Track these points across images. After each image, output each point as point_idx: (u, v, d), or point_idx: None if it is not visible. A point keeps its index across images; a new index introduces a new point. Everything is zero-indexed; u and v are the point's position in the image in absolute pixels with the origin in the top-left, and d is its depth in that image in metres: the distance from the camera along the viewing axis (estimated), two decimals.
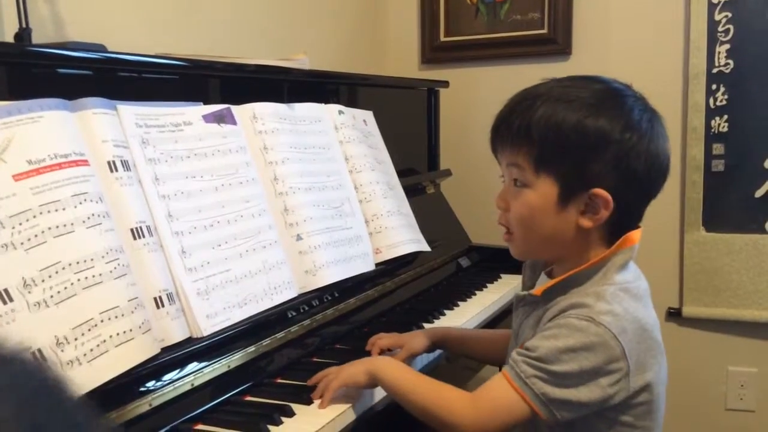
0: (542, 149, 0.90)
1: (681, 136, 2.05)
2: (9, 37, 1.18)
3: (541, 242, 0.95)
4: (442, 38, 2.35)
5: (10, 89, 0.92)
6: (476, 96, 2.29)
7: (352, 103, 1.63)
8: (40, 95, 0.89)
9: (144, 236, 0.93)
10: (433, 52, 2.36)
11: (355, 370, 0.99)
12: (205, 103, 1.16)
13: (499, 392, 0.88)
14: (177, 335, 0.93)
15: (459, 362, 1.31)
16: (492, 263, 1.82)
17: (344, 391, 1.00)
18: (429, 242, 1.59)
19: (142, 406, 0.88)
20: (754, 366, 2.07)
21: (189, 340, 0.97)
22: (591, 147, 0.89)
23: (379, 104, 1.68)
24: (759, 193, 1.99)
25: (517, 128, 0.92)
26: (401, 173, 1.64)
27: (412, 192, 1.70)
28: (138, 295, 0.87)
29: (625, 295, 0.89)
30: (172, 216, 0.99)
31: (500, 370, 0.92)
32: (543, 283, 1.01)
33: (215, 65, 1.25)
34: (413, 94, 1.98)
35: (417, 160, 1.97)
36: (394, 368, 0.98)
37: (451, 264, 1.78)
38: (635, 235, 0.94)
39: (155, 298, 0.92)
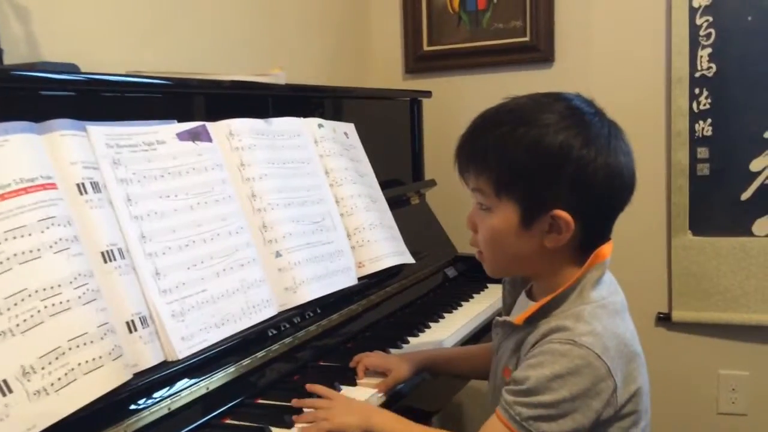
0: (500, 173, 0.91)
1: (665, 141, 2.05)
2: None
3: (509, 262, 0.97)
4: (425, 48, 2.34)
5: None
6: (460, 105, 2.29)
7: (333, 115, 1.62)
8: (12, 117, 0.87)
9: (115, 259, 0.91)
10: (417, 61, 2.36)
11: (348, 421, 0.97)
12: (181, 121, 1.14)
13: None
14: (151, 359, 0.91)
15: (443, 377, 1.29)
16: (478, 273, 1.77)
17: None
18: (414, 253, 1.58)
19: None
20: (745, 369, 2.06)
21: (165, 364, 0.95)
22: (548, 168, 0.88)
23: (361, 116, 1.67)
24: (745, 196, 1.99)
25: (474, 154, 0.93)
26: (385, 185, 1.63)
27: (396, 203, 1.69)
28: (108, 320, 0.85)
29: (603, 312, 0.89)
30: (145, 237, 0.98)
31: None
32: (522, 303, 1.03)
33: (190, 82, 1.24)
34: (396, 104, 1.97)
35: (401, 171, 1.96)
36: (390, 423, 0.97)
37: (437, 275, 1.77)
38: (605, 249, 0.94)
39: (127, 322, 0.90)
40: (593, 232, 0.92)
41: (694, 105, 2.01)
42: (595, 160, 0.88)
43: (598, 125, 0.91)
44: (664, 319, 2.09)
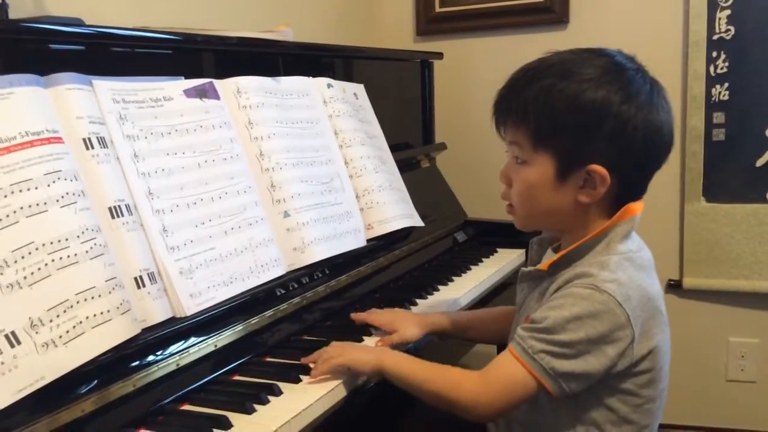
0: (538, 127, 0.90)
1: (681, 105, 2.01)
2: None
3: (541, 216, 0.97)
4: (437, 9, 2.30)
5: None
6: (472, 68, 2.25)
7: (342, 76, 1.59)
8: (18, 71, 0.86)
9: (123, 215, 0.91)
10: (429, 23, 2.31)
11: (361, 358, 0.99)
12: (186, 78, 1.13)
13: (508, 370, 0.89)
14: (159, 315, 0.91)
15: (450, 340, 1.29)
16: (488, 238, 1.80)
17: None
18: (424, 217, 1.57)
19: (126, 386, 0.87)
20: (755, 337, 2.05)
21: (173, 320, 0.95)
22: (587, 123, 0.88)
23: (371, 77, 1.65)
24: (760, 163, 1.96)
25: (515, 107, 0.93)
26: (395, 147, 1.61)
27: (406, 166, 1.67)
28: (116, 275, 0.85)
29: (629, 264, 0.90)
30: (152, 194, 0.97)
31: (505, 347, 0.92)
32: (549, 257, 1.02)
33: (197, 38, 1.22)
34: (406, 66, 1.94)
35: (411, 134, 1.93)
36: (401, 362, 0.98)
37: (446, 239, 1.76)
38: (636, 205, 0.94)
39: (135, 278, 0.90)
40: (628, 188, 0.92)
41: (711, 68, 1.97)
42: (635, 116, 0.87)
43: (640, 81, 0.90)
44: (675, 286, 2.08)
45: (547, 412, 0.93)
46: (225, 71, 1.22)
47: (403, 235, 1.52)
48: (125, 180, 0.94)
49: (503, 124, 0.96)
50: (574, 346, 0.85)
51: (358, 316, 1.18)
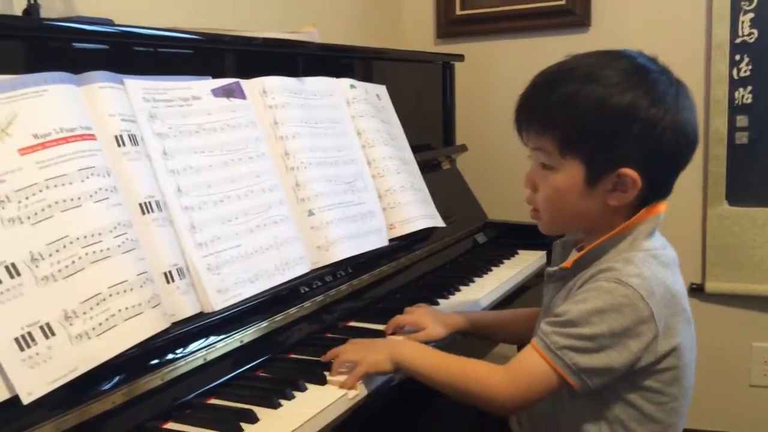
0: (566, 133, 0.90)
1: (704, 109, 2.00)
2: (18, 12, 1.17)
3: (569, 219, 0.97)
4: (458, 12, 2.30)
5: (17, 63, 0.91)
6: (493, 70, 2.25)
7: (364, 77, 1.60)
8: (48, 70, 0.87)
9: (153, 211, 0.92)
10: (449, 26, 2.32)
11: (379, 359, 0.98)
12: (213, 78, 1.14)
13: (531, 365, 0.89)
14: (188, 310, 0.92)
15: (471, 339, 1.29)
16: (509, 239, 1.79)
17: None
18: (444, 218, 1.57)
19: (154, 380, 0.88)
20: None
21: (200, 315, 0.97)
22: (616, 128, 0.88)
23: (392, 79, 1.65)
24: None
25: (539, 112, 0.93)
26: (416, 149, 1.62)
27: (427, 168, 1.68)
28: (147, 269, 0.87)
29: (654, 261, 0.90)
30: (181, 191, 0.98)
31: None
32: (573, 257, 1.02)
33: (224, 39, 1.23)
34: (428, 68, 1.95)
35: (432, 136, 1.94)
36: (419, 353, 0.98)
37: (467, 240, 1.76)
38: (661, 204, 0.94)
39: (165, 273, 0.91)
40: (656, 189, 0.92)
41: (734, 71, 1.96)
42: (663, 119, 0.87)
43: (666, 83, 0.90)
44: (698, 290, 2.06)
45: (570, 408, 0.93)
46: (250, 71, 1.24)
47: (424, 235, 1.52)
48: (155, 177, 0.96)
49: (526, 131, 0.95)
50: (596, 339, 0.85)
51: (388, 327, 1.18)
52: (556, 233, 1.05)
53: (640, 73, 0.89)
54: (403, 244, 1.45)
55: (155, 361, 0.90)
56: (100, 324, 0.78)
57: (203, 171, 1.03)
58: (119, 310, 0.81)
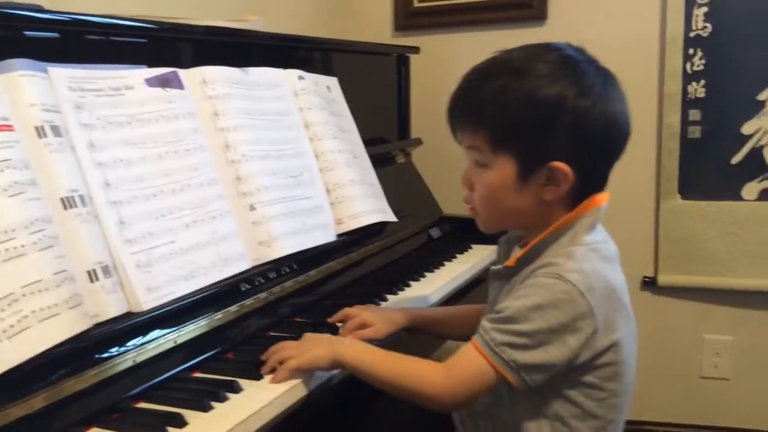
0: (496, 129, 0.89)
1: (657, 103, 2.01)
2: None
3: (505, 216, 0.97)
4: (416, 3, 2.28)
5: None
6: (450, 63, 2.23)
7: (315, 69, 1.56)
8: None
9: (76, 206, 0.88)
10: (407, 18, 2.29)
11: (316, 355, 0.95)
12: (154, 67, 1.10)
13: (470, 362, 0.88)
14: (113, 310, 0.88)
15: (419, 336, 1.27)
16: (463, 234, 1.78)
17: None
18: (398, 213, 1.55)
19: (79, 383, 0.84)
20: (729, 334, 2.05)
21: (130, 315, 0.93)
22: (545, 120, 0.87)
23: (345, 71, 1.62)
24: (735, 160, 1.96)
25: (469, 110, 0.92)
26: (369, 142, 1.59)
27: (381, 161, 1.65)
28: (67, 267, 0.82)
29: (595, 255, 0.89)
30: (109, 185, 0.94)
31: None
32: (516, 253, 1.01)
33: (164, 26, 1.19)
34: (382, 60, 1.92)
35: (386, 129, 1.91)
36: (360, 351, 0.96)
37: (421, 235, 1.74)
38: (601, 197, 0.93)
39: (88, 272, 0.87)
40: (590, 181, 0.92)
41: (688, 66, 1.97)
42: (593, 109, 0.87)
43: (593, 73, 0.89)
44: (650, 283, 2.08)
45: (509, 406, 0.92)
46: (194, 61, 1.20)
47: (377, 230, 1.50)
48: (80, 170, 0.91)
49: (460, 130, 0.95)
50: (533, 335, 0.84)
51: (333, 319, 1.16)
52: (495, 231, 1.04)
53: (569, 64, 0.89)
54: (355, 239, 1.42)
55: (81, 363, 0.85)
56: (12, 326, 0.74)
57: (135, 164, 0.99)
58: (33, 311, 0.76)
